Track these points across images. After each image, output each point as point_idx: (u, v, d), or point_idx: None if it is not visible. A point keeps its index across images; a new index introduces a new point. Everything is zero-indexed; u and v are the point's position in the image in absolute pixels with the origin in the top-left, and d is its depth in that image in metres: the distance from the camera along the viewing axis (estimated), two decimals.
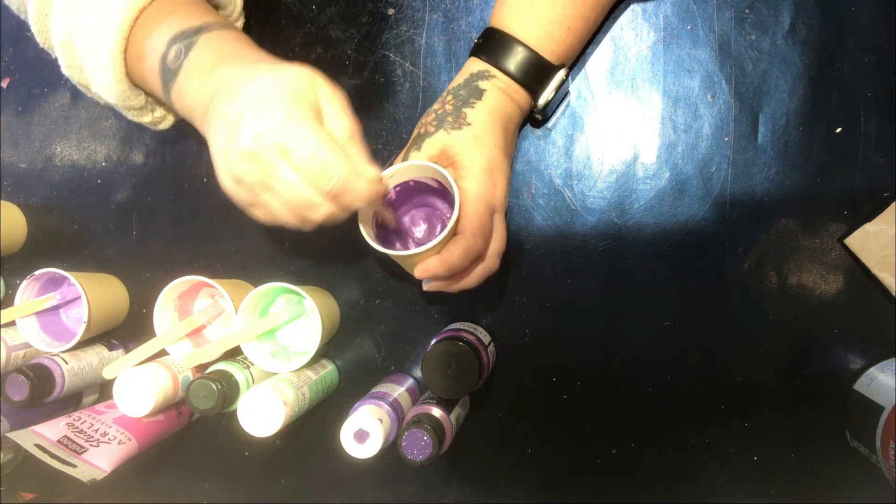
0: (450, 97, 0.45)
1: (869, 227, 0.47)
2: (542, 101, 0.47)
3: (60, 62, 0.45)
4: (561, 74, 0.46)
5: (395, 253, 0.43)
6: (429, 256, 0.42)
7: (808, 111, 0.49)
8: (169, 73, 0.40)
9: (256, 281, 0.58)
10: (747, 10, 0.49)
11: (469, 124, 0.43)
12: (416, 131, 0.46)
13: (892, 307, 0.49)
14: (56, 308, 0.61)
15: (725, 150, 0.51)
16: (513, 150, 0.48)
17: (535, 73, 0.45)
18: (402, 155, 0.46)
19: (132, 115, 0.48)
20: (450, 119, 0.44)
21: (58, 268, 0.57)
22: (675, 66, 0.51)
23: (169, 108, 0.48)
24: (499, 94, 0.45)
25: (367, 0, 0.55)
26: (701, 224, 0.51)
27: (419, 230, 0.49)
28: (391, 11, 0.55)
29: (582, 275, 0.54)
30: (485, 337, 0.53)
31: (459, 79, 0.46)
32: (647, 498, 0.55)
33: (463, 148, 0.43)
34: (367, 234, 0.43)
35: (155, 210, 0.62)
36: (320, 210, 0.37)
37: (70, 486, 0.64)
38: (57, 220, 0.64)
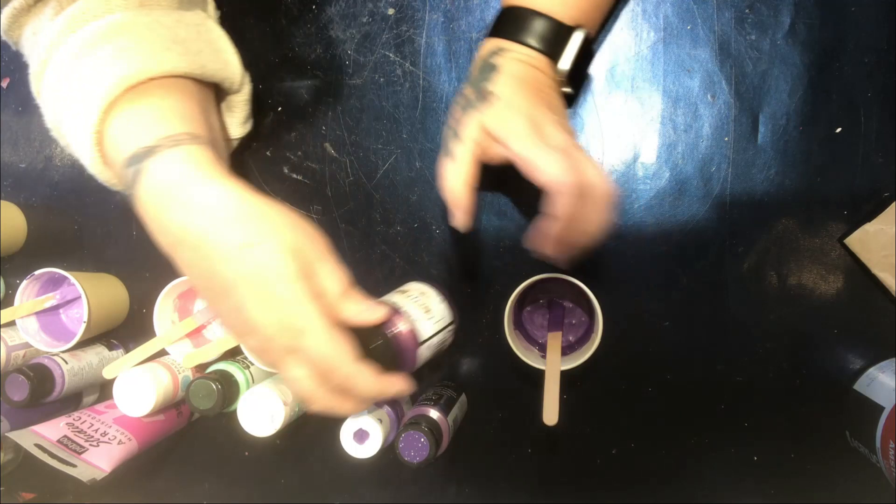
0: (468, 87, 0.44)
1: (869, 227, 0.47)
2: (561, 65, 0.44)
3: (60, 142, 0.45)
4: (579, 35, 0.44)
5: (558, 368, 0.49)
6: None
7: (808, 111, 0.49)
8: (131, 195, 0.40)
9: None
10: (747, 10, 0.49)
11: (499, 98, 0.42)
12: (448, 131, 0.44)
13: (892, 307, 0.49)
14: (56, 308, 0.61)
15: (725, 150, 0.50)
16: (557, 105, 0.45)
17: (552, 38, 0.43)
18: (443, 155, 0.44)
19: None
20: (476, 102, 0.43)
21: (58, 268, 0.57)
22: (675, 66, 0.51)
23: None
24: (517, 63, 0.43)
25: (367, 0, 0.55)
26: (701, 224, 0.51)
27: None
28: (391, 11, 0.55)
29: (582, 275, 0.54)
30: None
31: (474, 69, 0.45)
32: (647, 498, 0.55)
33: (500, 119, 0.41)
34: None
35: None
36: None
37: (70, 486, 0.64)
38: (57, 220, 0.64)
